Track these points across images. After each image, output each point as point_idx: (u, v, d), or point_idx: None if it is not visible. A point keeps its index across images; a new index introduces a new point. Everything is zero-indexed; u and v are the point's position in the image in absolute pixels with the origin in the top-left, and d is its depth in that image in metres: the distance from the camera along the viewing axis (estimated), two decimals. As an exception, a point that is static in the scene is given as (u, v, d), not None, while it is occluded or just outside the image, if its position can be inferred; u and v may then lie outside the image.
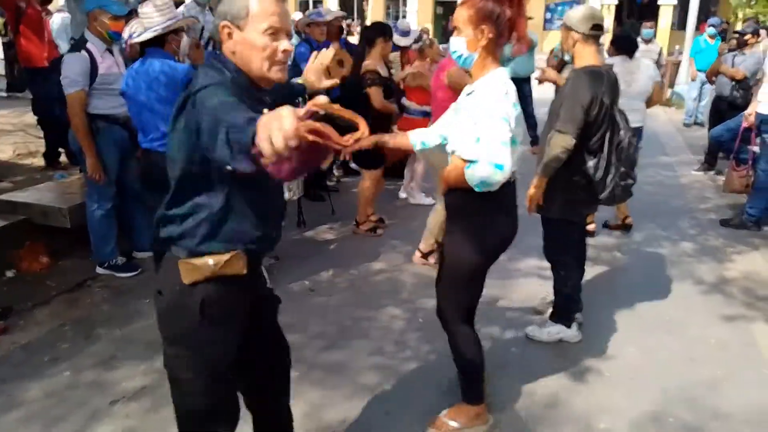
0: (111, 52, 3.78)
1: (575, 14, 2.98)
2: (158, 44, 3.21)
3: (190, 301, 1.69)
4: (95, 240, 3.94)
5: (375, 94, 4.49)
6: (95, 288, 3.87)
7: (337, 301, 3.74)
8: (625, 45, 4.75)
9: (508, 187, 2.28)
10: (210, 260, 1.67)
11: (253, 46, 1.59)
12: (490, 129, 2.08)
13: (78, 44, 3.73)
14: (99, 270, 4.01)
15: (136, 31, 3.18)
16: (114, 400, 2.78)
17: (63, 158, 5.62)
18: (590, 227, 4.74)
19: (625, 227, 4.97)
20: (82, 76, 3.60)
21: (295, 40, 6.55)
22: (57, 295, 3.76)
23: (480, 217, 2.32)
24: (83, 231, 3.98)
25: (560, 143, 2.85)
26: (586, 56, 2.97)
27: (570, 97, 2.88)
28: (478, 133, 2.11)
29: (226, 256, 1.69)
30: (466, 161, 2.17)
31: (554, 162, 2.90)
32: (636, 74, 4.62)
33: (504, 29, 2.14)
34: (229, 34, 1.61)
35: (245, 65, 1.63)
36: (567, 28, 3.00)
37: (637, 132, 4.56)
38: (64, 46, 5.62)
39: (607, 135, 2.95)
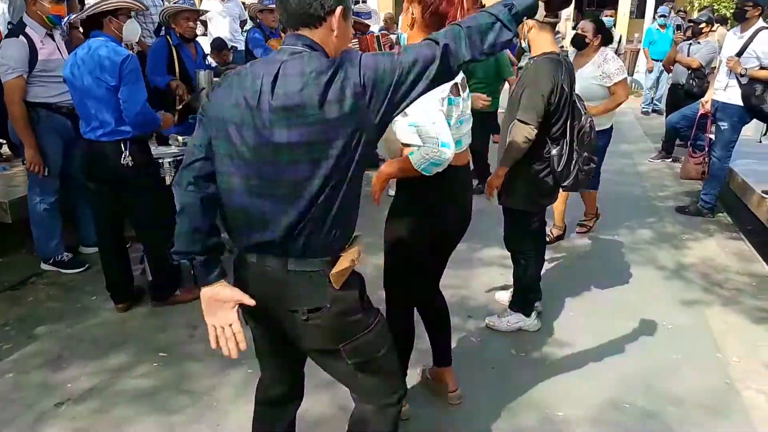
0: (52, 37, 3.60)
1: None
2: (96, 26, 3.08)
3: (352, 296, 1.67)
4: (38, 235, 3.77)
5: None
6: (39, 285, 3.72)
7: (295, 294, 3.66)
8: (611, 37, 4.53)
9: (455, 174, 2.25)
10: (354, 254, 1.67)
11: (348, 33, 1.62)
12: (422, 111, 2.05)
13: (16, 29, 3.54)
14: (44, 266, 3.84)
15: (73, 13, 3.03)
16: (60, 402, 2.68)
17: (5, 149, 5.37)
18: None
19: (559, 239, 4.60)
20: (20, 62, 3.42)
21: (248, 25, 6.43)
22: (-2, 293, 3.60)
23: (421, 206, 2.29)
24: (26, 226, 3.81)
25: (522, 133, 2.82)
26: (542, 43, 2.94)
27: (530, 87, 2.85)
28: (412, 118, 2.08)
29: (357, 245, 1.70)
30: (407, 147, 2.16)
31: (516, 152, 2.87)
32: None
33: (428, 11, 2.12)
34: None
35: (336, 51, 1.57)
36: None
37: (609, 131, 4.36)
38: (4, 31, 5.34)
39: (569, 122, 2.94)
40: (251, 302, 1.60)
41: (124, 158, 3.10)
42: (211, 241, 1.62)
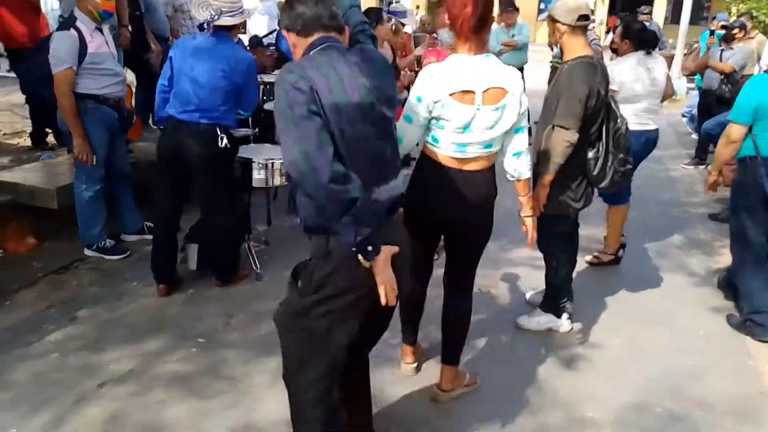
0: (101, 31, 3.72)
1: (560, 6, 2.93)
2: (228, 28, 3.33)
3: None
4: (83, 222, 3.89)
5: None
6: (82, 270, 3.84)
7: (326, 288, 3.73)
8: (647, 39, 4.15)
9: (440, 172, 2.36)
10: None
11: None
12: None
13: (67, 22, 3.66)
14: (87, 252, 3.96)
15: (215, 15, 3.22)
16: (102, 383, 2.76)
17: (50, 138, 5.54)
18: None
19: (617, 260, 4.32)
20: (70, 55, 3.53)
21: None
22: (43, 276, 3.72)
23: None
24: (71, 212, 3.93)
25: (564, 138, 2.83)
26: (574, 48, 2.94)
27: (567, 91, 2.85)
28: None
29: None
30: None
31: (559, 158, 2.87)
32: (656, 71, 4.09)
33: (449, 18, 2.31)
34: None
35: None
36: (553, 20, 2.97)
37: (655, 135, 4.19)
38: (53, 25, 5.52)
39: (605, 124, 2.95)
40: (396, 248, 1.76)
41: (222, 141, 3.32)
42: None
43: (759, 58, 5.85)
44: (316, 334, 1.84)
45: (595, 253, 4.26)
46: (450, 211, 2.40)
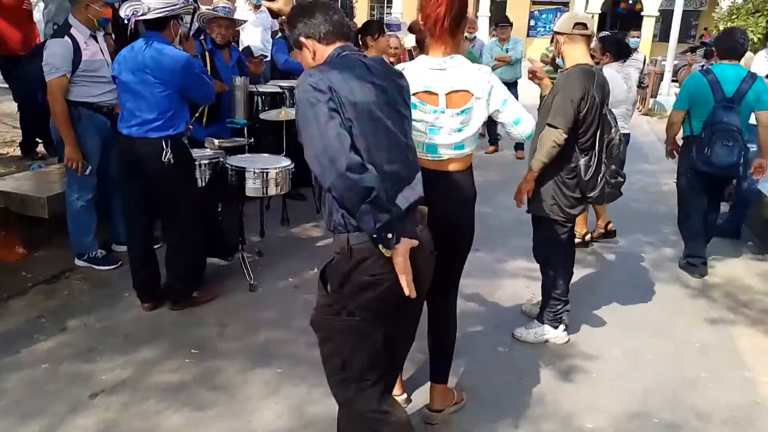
0: (95, 38, 3.70)
1: (560, 18, 3.12)
2: (158, 28, 3.14)
3: None
4: (74, 231, 3.84)
5: None
6: (73, 279, 3.78)
7: (321, 298, 3.69)
8: (620, 49, 4.73)
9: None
10: None
11: None
12: None
13: (61, 30, 3.65)
14: (77, 262, 3.91)
15: (140, 10, 3.04)
16: (93, 393, 2.72)
17: (40, 148, 5.49)
18: (587, 237, 4.71)
19: (609, 234, 4.90)
20: (64, 62, 3.51)
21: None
22: (33, 285, 3.67)
23: None
24: (61, 221, 3.88)
25: (551, 137, 2.87)
26: (574, 56, 3.00)
27: (561, 92, 2.90)
28: None
29: None
30: None
31: (545, 157, 2.90)
32: (630, 80, 4.69)
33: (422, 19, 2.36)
34: None
35: None
36: (555, 33, 3.08)
37: (626, 138, 4.54)
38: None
39: (598, 133, 2.97)
40: (416, 241, 1.80)
41: (165, 155, 3.15)
42: None
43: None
44: (352, 332, 1.87)
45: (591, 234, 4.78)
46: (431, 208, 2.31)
